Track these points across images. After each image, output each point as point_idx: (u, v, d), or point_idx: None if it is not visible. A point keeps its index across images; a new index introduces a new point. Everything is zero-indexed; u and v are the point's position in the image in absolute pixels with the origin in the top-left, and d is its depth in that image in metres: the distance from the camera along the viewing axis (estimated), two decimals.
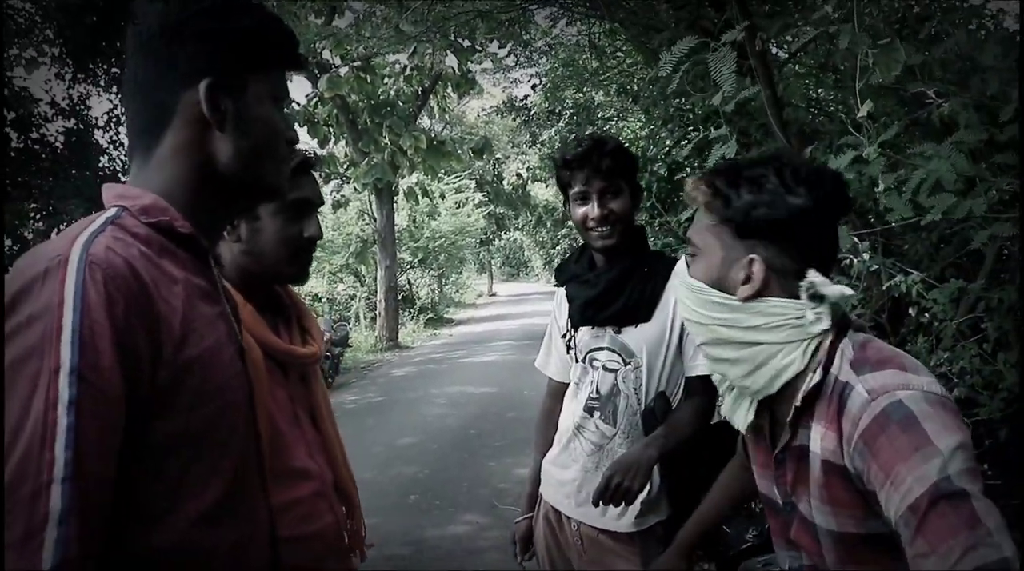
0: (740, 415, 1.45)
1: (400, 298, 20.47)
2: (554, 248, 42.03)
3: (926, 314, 3.78)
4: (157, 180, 1.12)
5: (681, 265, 1.48)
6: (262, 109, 1.16)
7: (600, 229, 2.19)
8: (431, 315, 24.88)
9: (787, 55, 5.24)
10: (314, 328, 1.93)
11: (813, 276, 1.29)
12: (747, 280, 1.33)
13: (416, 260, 25.37)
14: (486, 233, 34.66)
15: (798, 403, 1.31)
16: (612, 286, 2.22)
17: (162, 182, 1.11)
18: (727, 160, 1.50)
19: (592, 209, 2.19)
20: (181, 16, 1.10)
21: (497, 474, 6.85)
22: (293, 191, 1.71)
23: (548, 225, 42.25)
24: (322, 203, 1.89)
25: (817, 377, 1.28)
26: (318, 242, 1.85)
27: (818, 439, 1.29)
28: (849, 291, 1.29)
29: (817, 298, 1.29)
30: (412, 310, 23.55)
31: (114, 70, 10.59)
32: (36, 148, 9.85)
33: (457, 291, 34.65)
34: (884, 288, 3.74)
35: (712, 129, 3.64)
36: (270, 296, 1.86)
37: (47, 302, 0.90)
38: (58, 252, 0.94)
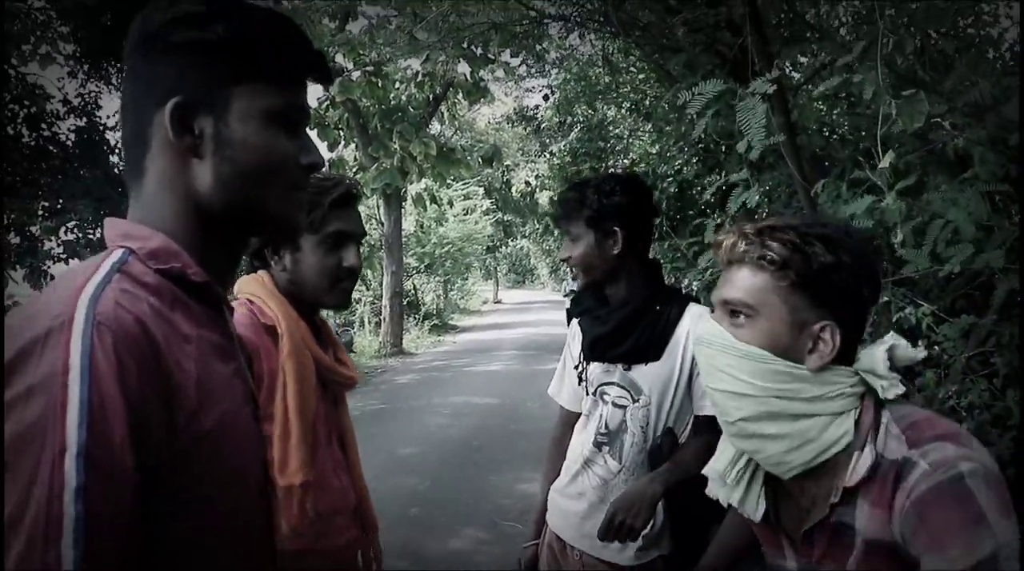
0: (751, 504, 1.40)
1: (405, 303, 20.47)
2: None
3: (935, 347, 3.77)
4: (151, 216, 1.01)
5: (714, 329, 1.33)
6: (248, 128, 1.00)
7: (571, 270, 2.28)
8: (436, 321, 24.87)
9: (801, 79, 5.25)
10: (347, 359, 2.06)
11: (895, 340, 1.25)
12: (815, 347, 1.25)
13: (422, 266, 25.41)
14: (493, 240, 34.66)
15: (849, 483, 1.23)
16: (622, 323, 2.22)
17: (156, 218, 1.00)
18: (781, 215, 1.40)
19: (574, 250, 2.26)
20: (159, 25, 0.98)
21: (499, 489, 6.83)
22: (332, 223, 1.84)
23: (555, 233, 42.33)
24: (364, 235, 1.96)
25: (870, 458, 1.21)
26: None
27: (864, 517, 1.23)
28: (921, 352, 1.27)
29: (888, 363, 1.24)
30: (417, 316, 23.55)
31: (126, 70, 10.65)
32: (48, 147, 9.86)
33: (462, 297, 34.66)
34: (893, 320, 3.74)
35: (723, 154, 3.62)
36: (312, 324, 1.97)
37: (50, 370, 0.78)
38: (61, 309, 0.82)
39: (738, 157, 4.36)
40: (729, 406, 1.31)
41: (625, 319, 2.23)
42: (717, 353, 1.31)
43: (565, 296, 18.60)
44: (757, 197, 2.92)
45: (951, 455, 1.14)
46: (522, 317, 28.94)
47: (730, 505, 1.57)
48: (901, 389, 1.22)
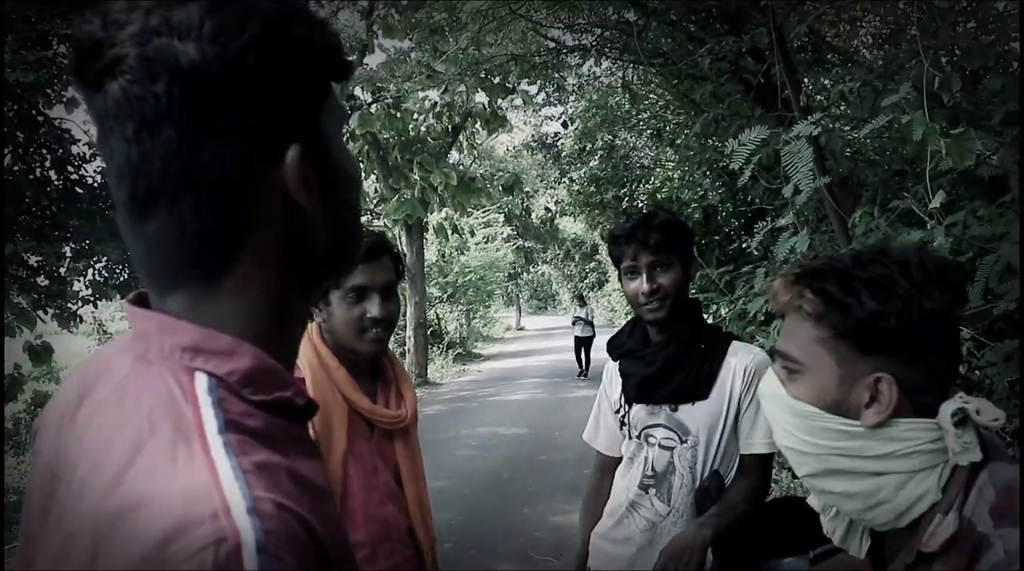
0: (855, 544, 1.26)
1: (428, 333, 20.48)
2: (582, 281, 42.10)
3: (977, 372, 3.71)
4: (239, 312, 0.74)
5: (769, 382, 1.26)
6: (343, 156, 0.80)
7: (651, 303, 2.18)
8: (459, 350, 24.86)
9: (826, 102, 5.23)
10: (409, 394, 2.14)
11: (964, 400, 1.08)
12: (871, 401, 1.11)
13: (445, 295, 25.45)
14: (514, 267, 34.72)
15: (925, 548, 1.08)
16: (669, 363, 2.19)
17: (246, 312, 0.74)
18: (825, 257, 1.22)
19: (641, 284, 2.17)
20: (231, 50, 0.68)
21: (531, 521, 6.76)
22: (352, 278, 1.94)
23: (576, 259, 42.38)
24: (389, 283, 2.02)
25: (952, 527, 1.05)
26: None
27: None
28: (1002, 414, 1.09)
29: (964, 423, 1.07)
30: (440, 345, 23.55)
31: None
32: (75, 189, 9.97)
33: (485, 325, 34.63)
34: None
35: (750, 180, 3.57)
36: (373, 361, 2.11)
37: None
38: (208, 527, 0.58)
39: (767, 186, 4.34)
40: (795, 462, 1.22)
41: (672, 358, 2.20)
42: (774, 408, 1.24)
43: (573, 324, 18.40)
44: (808, 242, 2.85)
45: None
46: (545, 344, 28.87)
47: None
48: (977, 455, 1.06)
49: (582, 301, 19.22)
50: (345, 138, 15.39)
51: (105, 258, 9.89)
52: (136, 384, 0.70)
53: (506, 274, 31.60)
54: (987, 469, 1.08)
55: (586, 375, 17.24)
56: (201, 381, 0.69)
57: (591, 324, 18.13)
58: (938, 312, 1.09)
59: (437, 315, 25.37)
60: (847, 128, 5.72)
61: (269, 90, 0.71)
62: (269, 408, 0.71)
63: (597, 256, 36.76)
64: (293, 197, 0.72)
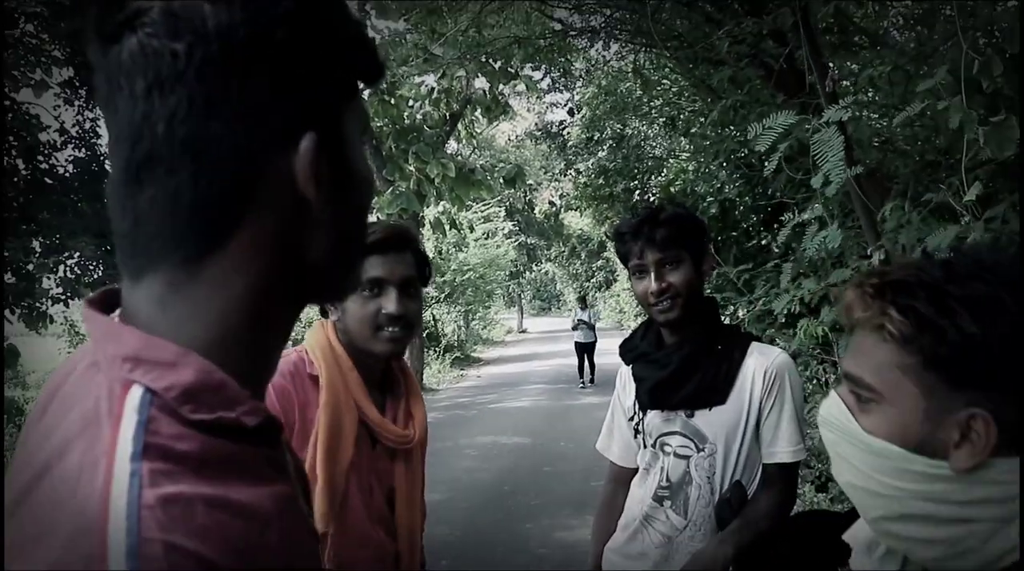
0: None
1: (425, 335, 20.48)
2: (589, 280, 42.09)
3: None
4: (209, 310, 0.72)
5: (833, 407, 1.15)
6: (361, 160, 0.80)
7: (661, 303, 2.17)
8: (458, 354, 24.87)
9: (854, 89, 5.22)
10: (419, 414, 2.11)
11: None
12: (962, 440, 1.00)
13: (442, 295, 25.44)
14: (516, 265, 34.73)
15: None
16: (684, 366, 2.19)
17: (217, 312, 0.72)
18: (910, 266, 1.09)
19: (650, 283, 2.17)
20: (261, 20, 0.69)
21: (535, 537, 6.76)
22: (368, 270, 1.92)
23: (582, 256, 42.39)
24: (409, 279, 2.00)
25: None
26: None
27: None
28: None
29: None
30: (437, 348, 23.55)
31: None
32: (44, 179, 9.96)
33: (485, 327, 34.66)
34: None
35: (771, 172, 3.54)
36: (386, 372, 2.09)
37: None
38: (79, 562, 0.58)
39: (788, 176, 4.33)
40: (862, 503, 1.13)
41: (687, 360, 2.19)
42: (840, 441, 1.13)
43: (574, 328, 17.99)
44: (840, 237, 2.82)
45: None
46: (550, 347, 28.86)
47: None
48: None
49: (584, 303, 18.94)
50: None
51: (78, 254, 9.89)
52: (77, 393, 0.69)
53: (507, 273, 31.63)
54: None
55: (592, 382, 17.19)
56: (134, 397, 0.66)
57: (593, 328, 17.83)
58: None
59: (434, 316, 25.37)
60: (875, 116, 5.73)
61: (293, 70, 0.71)
62: (211, 428, 0.68)
63: (605, 253, 36.77)
64: (301, 189, 0.71)
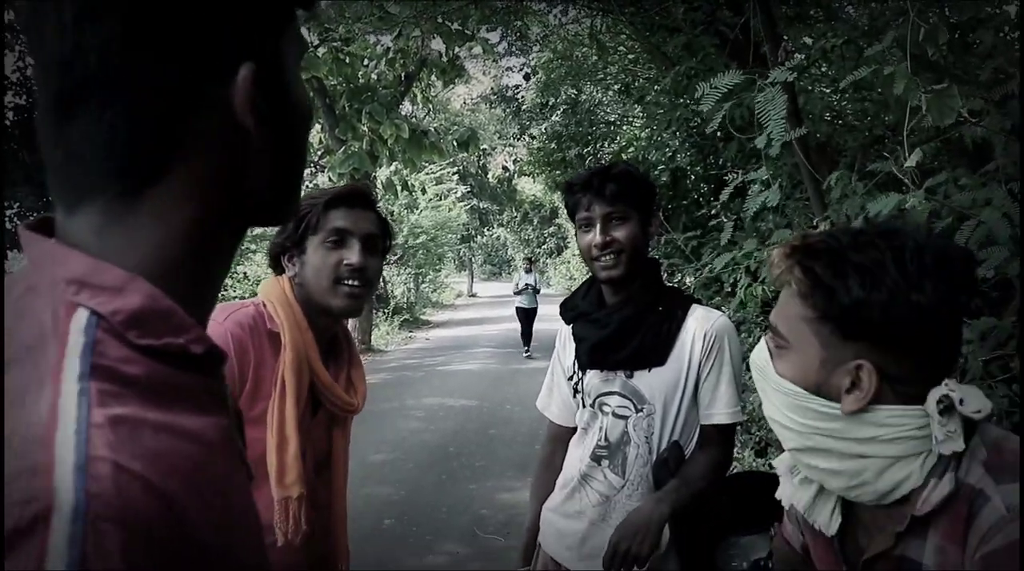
0: (824, 515, 1.31)
1: (374, 297, 20.39)
2: (540, 246, 42.20)
3: None
4: (150, 240, 0.70)
5: (759, 352, 1.32)
6: (300, 88, 0.79)
7: (604, 258, 2.17)
8: (407, 316, 24.81)
9: (806, 62, 5.25)
10: (360, 385, 2.10)
11: (950, 387, 1.12)
12: (852, 387, 1.16)
13: (393, 257, 25.32)
14: (468, 229, 34.64)
15: (919, 513, 1.15)
16: (625, 326, 2.19)
17: (158, 242, 0.71)
18: (826, 232, 1.26)
19: (595, 236, 2.17)
20: None
21: (478, 499, 6.81)
22: (332, 221, 1.91)
23: (534, 222, 42.45)
24: (373, 234, 1.99)
25: (948, 487, 1.11)
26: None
27: (933, 552, 1.15)
28: (989, 404, 1.13)
29: (949, 411, 1.12)
30: (386, 310, 23.47)
31: None
32: None
33: (435, 290, 34.61)
34: None
35: (721, 141, 3.57)
36: (333, 338, 2.06)
37: None
38: (29, 486, 0.55)
39: (739, 144, 4.36)
40: (781, 436, 1.30)
41: (627, 321, 2.19)
42: (761, 381, 1.30)
43: (516, 293, 17.07)
44: (779, 197, 2.86)
45: None
46: (499, 312, 28.90)
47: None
48: (960, 445, 1.11)
49: (530, 264, 17.93)
50: None
51: (18, 204, 9.65)
52: (18, 317, 0.67)
53: (459, 236, 31.53)
54: (976, 433, 1.14)
55: (527, 352, 16.37)
56: (79, 319, 0.65)
57: (536, 293, 17.01)
58: (928, 306, 1.10)
59: (383, 278, 25.26)
60: (828, 90, 5.78)
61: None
62: (157, 354, 0.67)
63: (557, 220, 36.86)
64: (239, 119, 0.70)
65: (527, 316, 16.71)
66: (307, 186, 17.96)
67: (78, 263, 0.67)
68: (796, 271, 1.20)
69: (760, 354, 1.31)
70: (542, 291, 17.66)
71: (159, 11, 0.66)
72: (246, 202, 0.76)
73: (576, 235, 2.29)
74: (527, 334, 16.64)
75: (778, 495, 1.42)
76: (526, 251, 42.93)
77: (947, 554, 1.12)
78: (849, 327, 1.16)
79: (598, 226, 2.17)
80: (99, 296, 0.66)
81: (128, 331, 0.66)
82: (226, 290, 17.85)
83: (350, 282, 1.92)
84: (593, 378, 2.27)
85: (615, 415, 2.23)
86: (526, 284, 16.86)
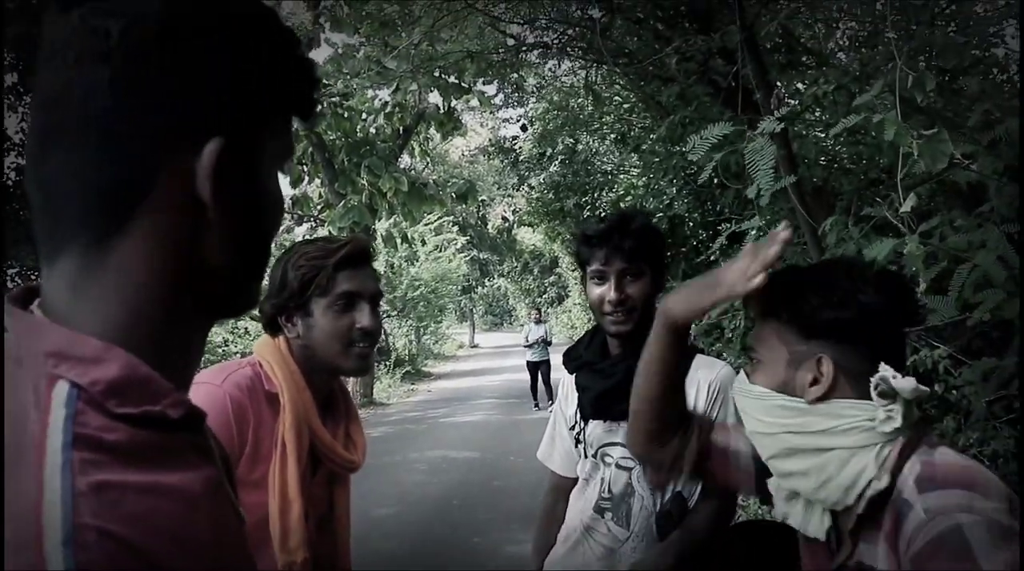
0: (815, 524, 1.41)
1: (375, 349, 20.35)
2: (541, 296, 42.20)
3: (954, 391, 3.77)
4: (119, 299, 0.73)
5: (740, 377, 1.49)
6: (273, 178, 0.82)
7: (616, 313, 2.16)
8: (409, 368, 24.77)
9: (799, 108, 5.31)
10: (359, 439, 2.07)
11: (884, 370, 1.28)
12: (815, 382, 1.34)
13: (394, 310, 25.33)
14: (468, 280, 34.69)
15: (860, 511, 1.29)
16: (629, 377, 2.17)
17: (127, 300, 0.73)
18: (787, 265, 1.52)
19: (609, 291, 2.15)
20: (175, 13, 0.71)
21: (483, 552, 6.73)
22: (341, 284, 1.88)
23: (535, 272, 42.52)
24: (378, 294, 1.98)
25: (884, 483, 1.26)
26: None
27: (884, 557, 1.26)
28: (922, 386, 1.27)
29: (888, 395, 1.27)
30: (388, 363, 23.43)
31: None
32: None
33: (436, 342, 34.56)
34: (908, 363, 3.73)
35: (718, 188, 3.61)
36: (329, 393, 2.03)
37: None
38: (16, 560, 0.59)
39: (736, 192, 4.39)
40: (761, 445, 1.45)
41: (632, 371, 2.18)
42: (740, 398, 1.48)
43: (527, 346, 16.24)
44: None
45: (951, 503, 1.15)
46: (501, 362, 28.86)
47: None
48: (897, 422, 1.26)
49: (539, 317, 16.94)
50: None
51: (19, 264, 9.68)
52: (8, 387, 0.69)
53: (459, 287, 31.57)
54: (918, 451, 1.28)
55: (551, 401, 15.98)
56: (60, 391, 0.67)
57: (548, 345, 16.07)
58: (876, 307, 1.32)
59: (385, 331, 25.24)
60: (822, 135, 5.83)
61: (215, 75, 0.73)
62: (138, 421, 0.69)
63: (557, 269, 36.93)
64: (198, 188, 0.72)
65: (538, 370, 15.97)
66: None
67: (57, 336, 0.70)
68: (764, 291, 1.37)
69: (740, 378, 1.50)
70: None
71: (147, 70, 0.69)
72: (209, 278, 0.77)
73: (584, 284, 2.28)
74: (536, 389, 15.96)
75: (774, 514, 1.52)
76: (527, 301, 42.95)
77: (890, 559, 1.24)
78: (809, 328, 1.36)
79: (612, 281, 2.15)
80: (77, 367, 0.68)
81: (107, 400, 0.67)
82: (227, 346, 17.84)
83: (361, 345, 1.91)
84: (596, 428, 2.26)
85: (618, 466, 2.21)
86: (538, 337, 16.03)
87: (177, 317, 0.76)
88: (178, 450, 0.72)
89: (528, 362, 16.16)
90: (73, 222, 0.71)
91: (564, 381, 2.43)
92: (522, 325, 22.42)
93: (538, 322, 16.56)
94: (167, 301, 0.75)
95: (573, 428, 2.34)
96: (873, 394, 1.28)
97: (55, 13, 0.71)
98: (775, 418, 1.38)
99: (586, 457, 2.29)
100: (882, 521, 1.27)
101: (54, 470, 0.61)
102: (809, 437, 1.33)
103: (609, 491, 2.22)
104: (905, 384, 1.26)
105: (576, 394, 2.33)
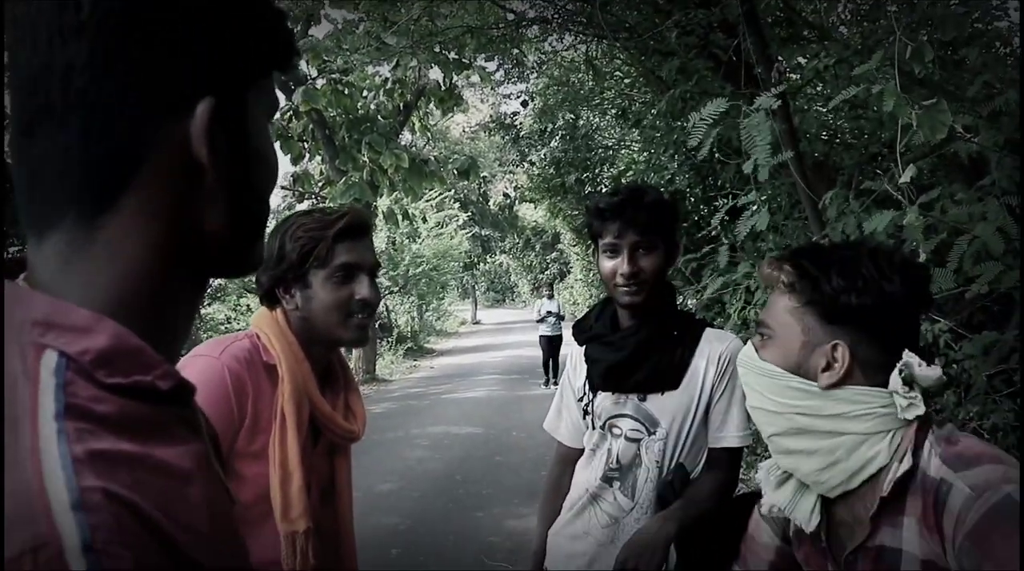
0: (803, 511, 1.43)
1: (377, 326, 20.37)
2: (543, 272, 42.20)
3: (954, 365, 3.77)
4: (110, 272, 0.71)
5: (747, 349, 1.49)
6: (263, 137, 0.81)
7: (628, 286, 2.16)
8: (411, 345, 24.81)
9: (801, 82, 5.28)
10: (359, 409, 2.07)
11: (909, 357, 1.28)
12: (828, 367, 1.33)
13: (395, 286, 25.35)
14: (470, 256, 34.68)
15: (885, 494, 1.28)
16: (640, 350, 2.19)
17: (119, 274, 0.72)
18: (810, 242, 1.50)
19: (622, 264, 2.15)
20: None
21: (485, 526, 6.77)
22: (340, 256, 1.88)
23: (536, 248, 42.51)
24: (376, 265, 1.98)
25: (907, 464, 1.26)
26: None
27: (914, 538, 1.26)
28: (942, 376, 1.29)
29: (910, 382, 1.28)
30: (390, 339, 23.47)
31: None
32: None
33: (438, 318, 34.60)
34: None
35: (719, 163, 3.60)
36: (327, 365, 2.03)
37: None
38: (24, 531, 0.56)
39: (736, 167, 4.37)
40: (762, 422, 1.45)
41: (642, 344, 2.19)
42: (746, 371, 1.48)
43: (539, 321, 15.94)
44: (768, 220, 2.87)
45: (994, 477, 1.16)
46: (503, 338, 28.92)
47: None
48: (921, 409, 1.28)
49: (551, 291, 16.80)
50: (289, 116, 15.31)
51: (19, 242, 9.67)
52: None
53: (461, 264, 31.53)
54: (931, 433, 1.30)
55: (556, 383, 15.61)
56: (49, 360, 0.65)
57: (561, 320, 15.76)
58: (897, 296, 1.31)
59: (387, 307, 25.28)
60: (823, 109, 5.81)
61: (196, 37, 0.71)
62: (128, 392, 0.68)
63: (559, 245, 36.91)
64: (194, 152, 0.71)
65: (551, 345, 15.63)
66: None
67: (44, 305, 0.68)
68: (785, 266, 1.39)
69: (747, 350, 1.49)
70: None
71: (126, 39, 0.68)
72: (204, 243, 0.76)
73: (597, 257, 2.28)
74: (547, 364, 15.60)
75: (761, 505, 1.57)
76: (529, 278, 42.97)
77: (925, 538, 1.23)
78: (830, 312, 1.34)
79: (625, 254, 2.15)
80: (66, 336, 0.67)
81: (97, 371, 0.66)
82: (229, 323, 17.87)
83: (360, 316, 1.91)
84: (604, 400, 2.27)
85: (627, 438, 2.22)
86: (548, 311, 15.75)
87: (168, 290, 0.76)
88: (167, 424, 0.72)
89: (541, 337, 15.86)
90: (64, 199, 0.70)
91: (572, 353, 2.44)
92: (524, 302, 22.36)
93: (550, 297, 16.30)
94: (159, 275, 0.74)
95: (581, 399, 2.34)
96: (896, 381, 1.28)
97: None
98: (786, 398, 1.38)
99: (594, 428, 2.30)
100: (904, 504, 1.27)
101: (49, 439, 0.60)
102: (820, 420, 1.34)
103: (617, 462, 2.23)
104: (930, 373, 1.27)
105: (584, 366, 2.33)
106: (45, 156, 0.69)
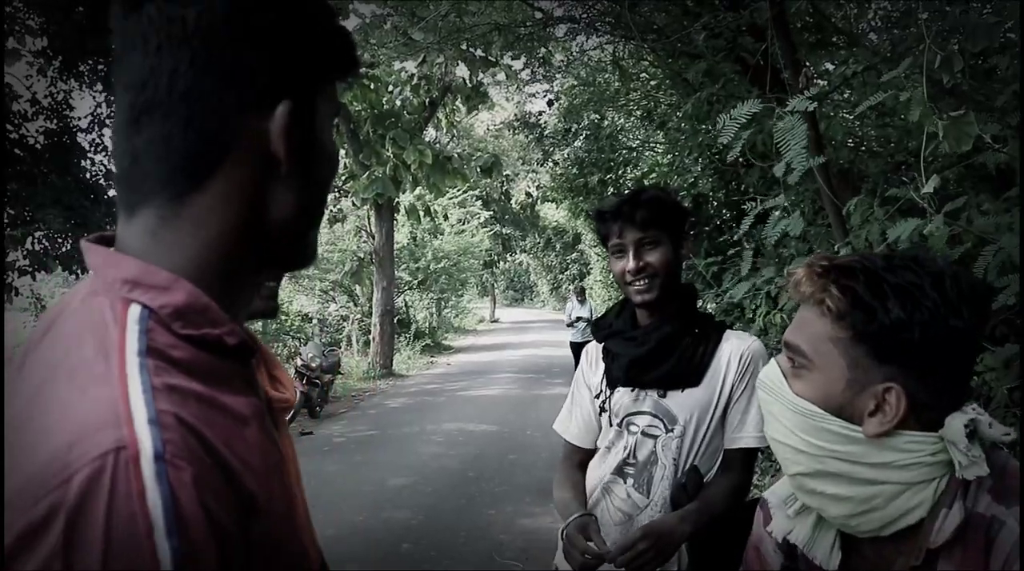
0: (823, 549, 1.29)
1: (396, 321, 20.42)
2: (563, 272, 42.20)
3: (975, 378, 3.74)
4: (192, 244, 0.84)
5: (772, 371, 1.30)
6: (328, 138, 0.93)
7: (639, 283, 2.18)
8: (428, 341, 24.85)
9: (828, 88, 5.25)
10: (284, 376, 2.02)
11: (979, 416, 1.13)
12: (877, 409, 1.14)
13: (415, 282, 25.39)
14: (491, 254, 34.69)
15: (933, 545, 1.13)
16: (661, 345, 2.20)
17: (199, 246, 0.84)
18: (857, 254, 1.27)
19: (628, 262, 2.18)
20: (257, 3, 0.84)
21: (497, 524, 6.78)
22: None
23: (557, 248, 42.49)
24: None
25: (958, 516, 1.11)
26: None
27: None
28: (1011, 430, 1.15)
29: (972, 436, 1.12)
30: (407, 335, 23.51)
31: (101, 67, 10.56)
32: (14, 150, 9.80)
33: (457, 316, 34.66)
34: None
35: (744, 167, 3.58)
36: None
37: (129, 528, 0.65)
38: (109, 432, 0.69)
39: (760, 171, 4.35)
40: (786, 459, 1.26)
41: (664, 340, 2.20)
42: (772, 400, 1.27)
43: (569, 324, 15.14)
44: (802, 225, 2.85)
45: None
46: (521, 337, 28.93)
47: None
48: (984, 471, 1.11)
49: (583, 296, 15.64)
50: None
51: (46, 227, 9.74)
52: (80, 313, 0.81)
53: (481, 262, 31.58)
54: None
55: None
56: (134, 311, 0.79)
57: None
58: (963, 331, 1.12)
59: (406, 302, 25.33)
60: (849, 116, 5.77)
61: (279, 47, 0.85)
62: (199, 343, 0.81)
63: (579, 246, 36.89)
64: (273, 147, 0.85)
65: (583, 350, 14.38)
66: (330, 210, 18.06)
67: (131, 266, 0.82)
68: (833, 289, 1.17)
69: (772, 373, 1.28)
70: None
71: (223, 49, 0.82)
72: (272, 229, 0.89)
73: (609, 262, 2.31)
74: None
75: (769, 529, 1.41)
76: (548, 277, 42.91)
77: None
78: (885, 348, 1.14)
79: (630, 252, 2.18)
80: (149, 293, 0.81)
81: (173, 322, 0.80)
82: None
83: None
84: (622, 397, 2.27)
85: (644, 434, 2.22)
86: (578, 317, 14.76)
87: (237, 265, 0.88)
88: (230, 375, 0.85)
89: (572, 343, 14.89)
90: (160, 179, 0.83)
91: (589, 350, 2.44)
92: (543, 302, 22.20)
93: (581, 302, 15.31)
94: (233, 252, 0.86)
95: (598, 396, 2.34)
96: (957, 433, 1.11)
97: (124, 11, 0.83)
98: (821, 441, 1.19)
99: (611, 425, 2.29)
100: (948, 548, 1.13)
101: (134, 367, 0.74)
102: (860, 468, 1.16)
103: (634, 458, 2.23)
104: (998, 431, 1.13)
105: (602, 363, 2.34)
106: (149, 142, 0.83)
